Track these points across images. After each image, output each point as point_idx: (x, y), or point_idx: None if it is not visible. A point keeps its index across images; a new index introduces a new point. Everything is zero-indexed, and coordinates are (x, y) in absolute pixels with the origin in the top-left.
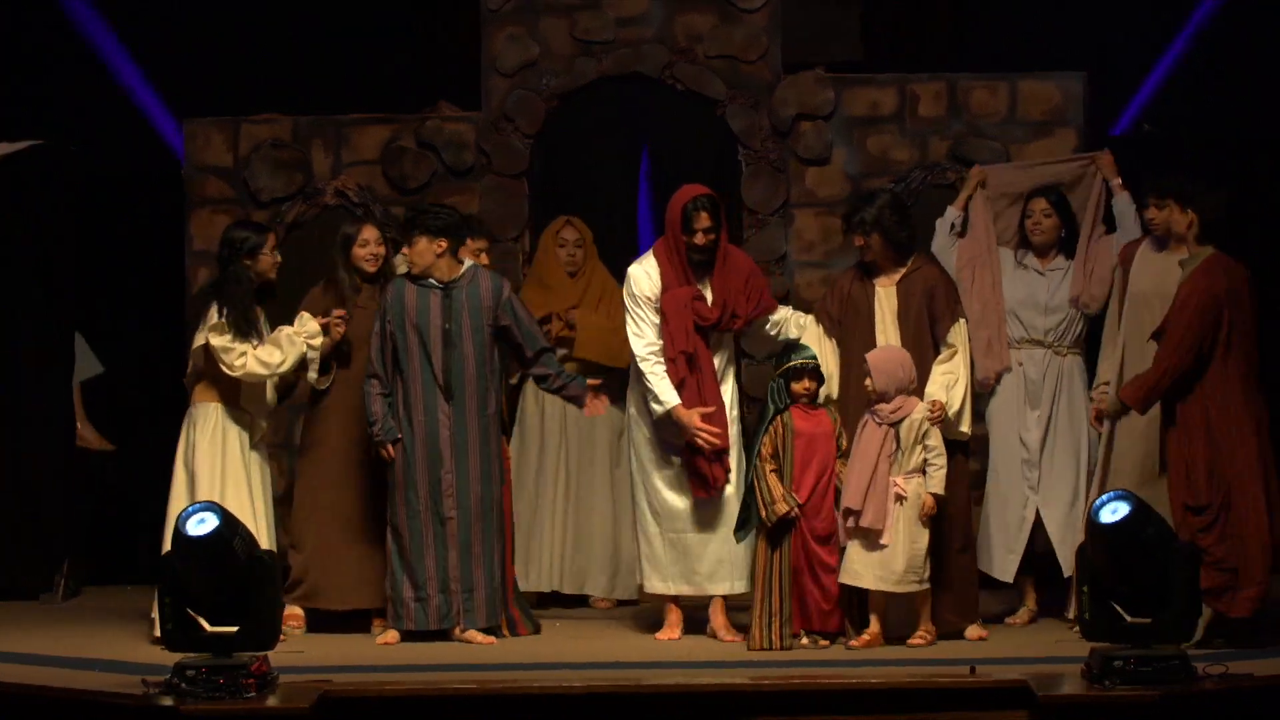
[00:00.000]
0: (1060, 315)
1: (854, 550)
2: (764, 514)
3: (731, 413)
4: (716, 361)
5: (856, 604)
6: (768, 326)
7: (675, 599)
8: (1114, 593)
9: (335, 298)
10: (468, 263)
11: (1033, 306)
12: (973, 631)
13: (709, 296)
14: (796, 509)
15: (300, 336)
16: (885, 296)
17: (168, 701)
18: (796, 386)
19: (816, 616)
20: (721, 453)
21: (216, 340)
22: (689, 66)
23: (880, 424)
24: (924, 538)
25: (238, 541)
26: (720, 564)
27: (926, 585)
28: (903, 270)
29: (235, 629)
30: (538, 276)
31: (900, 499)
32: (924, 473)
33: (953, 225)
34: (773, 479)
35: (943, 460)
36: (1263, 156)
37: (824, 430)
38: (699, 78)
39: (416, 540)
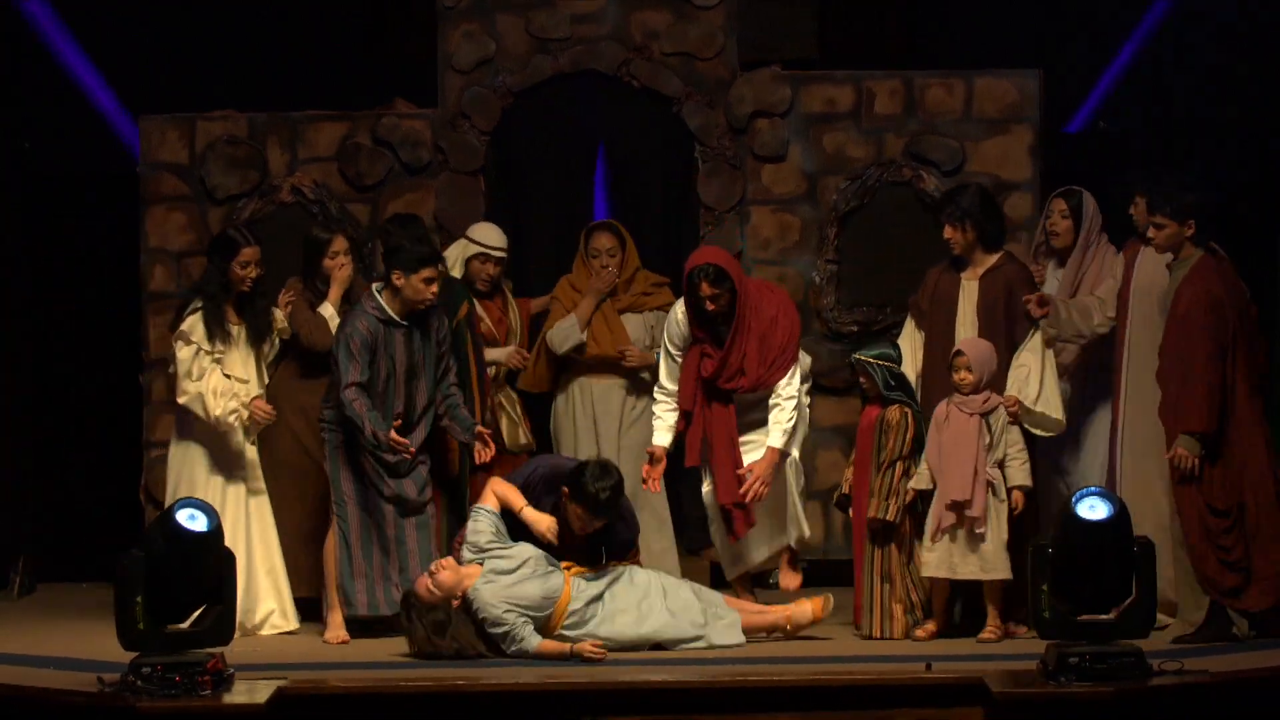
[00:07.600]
0: None
1: (949, 544)
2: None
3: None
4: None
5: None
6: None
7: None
8: (1077, 590)
9: (312, 295)
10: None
11: None
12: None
13: (728, 354)
14: (843, 500)
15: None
16: (969, 290)
17: (124, 699)
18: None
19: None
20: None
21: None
22: (645, 64)
23: (970, 414)
24: (1006, 527)
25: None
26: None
27: (1009, 574)
28: (989, 263)
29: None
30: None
31: (992, 487)
32: (1003, 466)
33: None
34: (845, 472)
35: (1024, 455)
36: (1219, 152)
37: (867, 424)
38: (655, 75)
39: (367, 547)
